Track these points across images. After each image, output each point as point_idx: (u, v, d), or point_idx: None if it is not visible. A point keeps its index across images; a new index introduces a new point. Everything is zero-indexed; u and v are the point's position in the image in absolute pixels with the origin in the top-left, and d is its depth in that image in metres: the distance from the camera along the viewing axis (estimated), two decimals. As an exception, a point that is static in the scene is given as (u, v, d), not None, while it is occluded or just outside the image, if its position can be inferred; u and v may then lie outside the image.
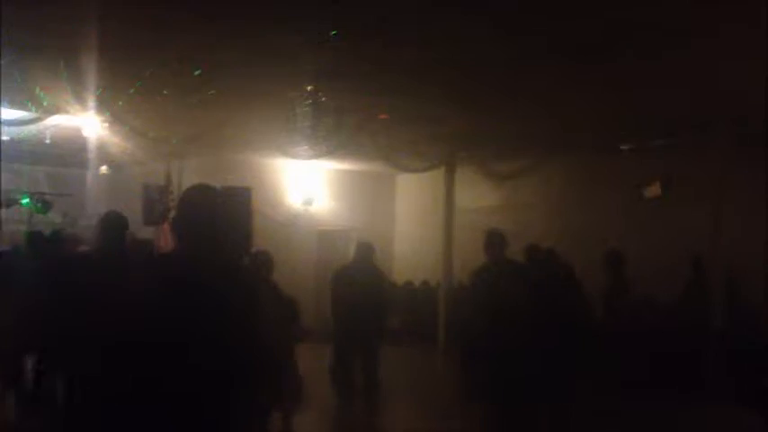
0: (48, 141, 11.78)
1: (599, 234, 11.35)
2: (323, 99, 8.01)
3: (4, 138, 11.24)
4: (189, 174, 14.22)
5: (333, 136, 9.60)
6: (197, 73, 7.56)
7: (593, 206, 12.64)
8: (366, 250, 8.87)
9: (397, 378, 10.45)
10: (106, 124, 10.56)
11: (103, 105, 9.34)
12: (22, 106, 9.71)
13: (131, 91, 8.06)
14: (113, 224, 5.59)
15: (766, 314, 9.60)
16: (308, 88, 7.86)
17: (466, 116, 10.31)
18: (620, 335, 8.33)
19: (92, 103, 9.21)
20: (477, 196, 14.25)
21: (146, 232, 13.03)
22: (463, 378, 7.36)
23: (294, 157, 12.28)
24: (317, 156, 11.49)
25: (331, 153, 11.41)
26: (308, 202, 15.44)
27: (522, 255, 7.76)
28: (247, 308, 3.16)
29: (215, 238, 3.17)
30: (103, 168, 14.58)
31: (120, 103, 9.04)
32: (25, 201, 14.81)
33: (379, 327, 8.66)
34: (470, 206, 13.91)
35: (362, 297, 8.34)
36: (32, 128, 10.41)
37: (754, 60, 7.34)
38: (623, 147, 11.65)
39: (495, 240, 7.12)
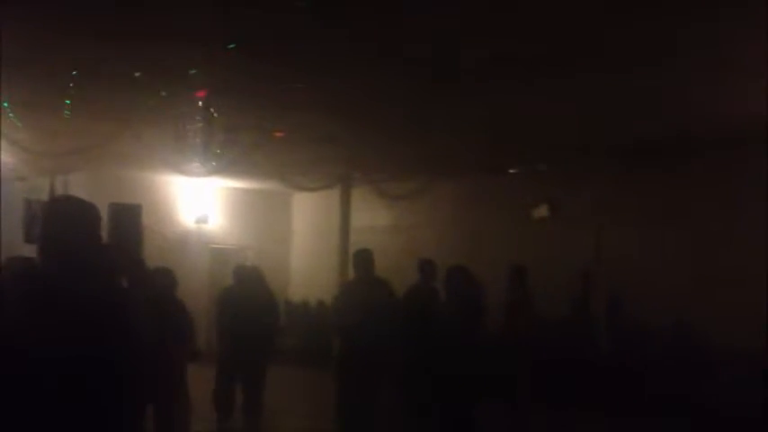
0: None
1: (489, 252, 11.62)
2: (215, 115, 7.91)
3: None
4: (75, 189, 13.74)
5: (225, 153, 9.48)
6: (71, 86, 7.32)
7: (483, 226, 12.93)
8: (245, 272, 8.88)
9: (288, 398, 10.37)
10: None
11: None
12: None
13: (4, 104, 7.74)
14: None
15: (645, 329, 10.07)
16: (200, 104, 7.75)
17: (360, 137, 10.40)
18: (521, 348, 8.46)
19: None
20: (372, 216, 14.36)
21: (28, 250, 12.50)
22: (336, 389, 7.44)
23: (187, 174, 12.06)
24: (210, 173, 11.32)
25: (223, 170, 11.26)
26: (202, 220, 15.16)
27: (415, 270, 7.90)
28: (115, 328, 3.04)
29: (77, 253, 3.05)
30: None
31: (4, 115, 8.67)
32: None
33: (264, 348, 8.56)
34: (365, 225, 13.99)
35: (247, 318, 8.26)
36: None
37: (638, 89, 7.74)
38: (511, 170, 12.01)
39: (362, 259, 7.33)
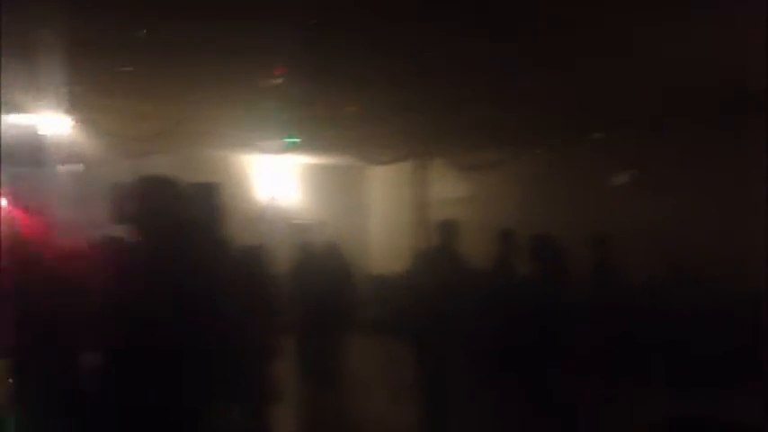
0: (13, 142, 11.59)
1: (570, 221, 11.43)
2: (290, 92, 7.95)
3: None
4: (157, 171, 14.07)
5: (301, 129, 9.54)
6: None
7: (563, 195, 12.73)
8: (316, 247, 8.97)
9: (368, 369, 10.48)
10: (73, 123, 10.46)
11: (71, 104, 9.24)
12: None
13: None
14: None
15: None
16: (276, 81, 7.80)
17: (435, 109, 10.31)
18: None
19: (60, 101, 9.12)
20: (449, 187, 14.29)
21: (117, 231, 12.90)
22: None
23: (264, 151, 12.22)
24: (287, 150, 11.44)
25: (300, 147, 11.36)
26: (280, 197, 15.37)
27: (497, 242, 7.84)
28: (202, 304, 3.10)
29: (166, 230, 3.11)
30: (72, 167, 14.39)
31: (88, 101, 8.93)
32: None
33: (340, 320, 8.65)
34: (442, 197, 13.94)
35: (321, 291, 8.36)
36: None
37: (710, 50, 7.47)
38: (591, 138, 11.76)
39: (446, 229, 7.25)
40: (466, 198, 14.18)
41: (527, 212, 12.80)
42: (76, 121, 10.40)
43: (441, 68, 8.27)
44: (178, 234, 3.16)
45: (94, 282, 4.34)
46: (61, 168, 14.25)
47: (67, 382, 3.72)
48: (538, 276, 6.91)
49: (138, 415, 2.95)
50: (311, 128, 9.89)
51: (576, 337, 7.17)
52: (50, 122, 10.57)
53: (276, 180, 15.39)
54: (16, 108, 9.52)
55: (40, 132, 11.00)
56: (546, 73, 8.36)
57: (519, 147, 12.60)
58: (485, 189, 14.00)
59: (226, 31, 6.84)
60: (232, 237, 7.51)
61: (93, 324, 3.51)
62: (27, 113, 9.84)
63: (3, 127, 10.21)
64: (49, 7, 6.04)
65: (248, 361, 6.02)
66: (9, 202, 14.74)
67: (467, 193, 14.30)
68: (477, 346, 7.42)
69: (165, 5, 6.29)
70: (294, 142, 10.09)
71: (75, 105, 9.48)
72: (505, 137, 12.07)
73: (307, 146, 11.59)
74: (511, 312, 6.91)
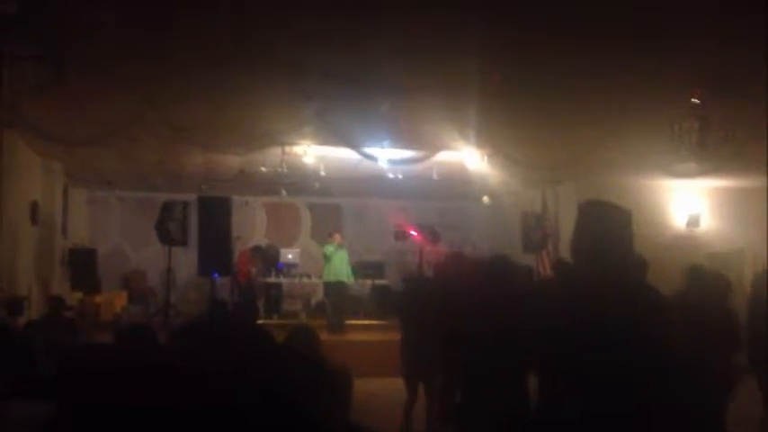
0: (435, 177, 12.62)
1: None
2: (704, 112, 7.44)
3: (398, 176, 12.26)
4: (564, 200, 14.25)
5: (720, 150, 8.84)
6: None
7: None
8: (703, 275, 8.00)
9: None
10: (486, 157, 11.00)
11: (485, 139, 9.74)
12: (409, 146, 10.55)
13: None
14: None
15: None
16: (694, 101, 7.36)
17: None
18: None
19: (474, 137, 9.67)
20: None
21: (526, 259, 13.30)
22: None
23: (676, 176, 11.64)
24: (703, 173, 10.73)
25: (717, 170, 10.58)
26: (694, 223, 14.49)
27: None
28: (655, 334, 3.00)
29: (614, 257, 3.09)
30: (485, 199, 15.21)
31: (500, 133, 9.31)
32: (415, 233, 16.13)
33: None
34: None
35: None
36: (420, 166, 11.21)
37: None
38: None
39: None
40: None
41: None
42: (489, 155, 10.92)
43: None
44: (621, 258, 3.14)
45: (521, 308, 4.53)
46: (477, 199, 15.19)
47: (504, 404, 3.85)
48: None
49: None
50: (731, 148, 9.12)
51: None
52: (466, 158, 11.26)
53: (690, 206, 14.56)
54: (438, 147, 10.32)
55: (459, 168, 11.79)
56: None
57: None
58: None
59: (640, 55, 6.63)
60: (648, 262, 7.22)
61: (528, 348, 3.64)
62: (447, 151, 10.60)
63: (426, 164, 11.15)
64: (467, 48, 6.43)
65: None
66: (419, 232, 16.10)
67: None
68: None
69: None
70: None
71: (488, 139, 9.97)
72: None
73: (725, 168, 10.74)
74: None
